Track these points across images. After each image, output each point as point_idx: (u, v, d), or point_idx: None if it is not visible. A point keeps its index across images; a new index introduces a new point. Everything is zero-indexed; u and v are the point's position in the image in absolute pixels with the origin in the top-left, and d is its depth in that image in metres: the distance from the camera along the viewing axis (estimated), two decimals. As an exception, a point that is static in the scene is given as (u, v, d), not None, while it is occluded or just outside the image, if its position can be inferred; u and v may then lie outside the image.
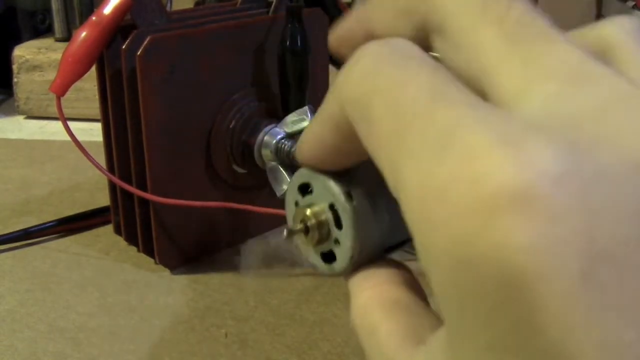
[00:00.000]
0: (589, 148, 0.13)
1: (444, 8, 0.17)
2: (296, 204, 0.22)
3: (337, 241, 0.21)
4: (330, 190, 0.20)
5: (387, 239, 0.21)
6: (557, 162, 0.13)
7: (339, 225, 0.21)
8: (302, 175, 0.22)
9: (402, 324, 0.19)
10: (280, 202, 0.24)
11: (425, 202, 0.14)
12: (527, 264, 0.13)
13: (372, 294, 0.20)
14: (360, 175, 0.21)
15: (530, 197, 0.13)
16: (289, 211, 0.23)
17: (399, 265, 0.21)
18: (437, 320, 0.19)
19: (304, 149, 0.20)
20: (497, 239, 0.13)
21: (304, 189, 0.22)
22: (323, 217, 0.21)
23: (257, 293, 0.41)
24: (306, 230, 0.21)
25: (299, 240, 0.22)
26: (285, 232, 0.21)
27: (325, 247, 0.21)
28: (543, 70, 0.15)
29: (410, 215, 0.15)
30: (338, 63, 0.53)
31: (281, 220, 0.39)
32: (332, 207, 0.21)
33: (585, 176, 0.13)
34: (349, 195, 0.20)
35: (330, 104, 0.18)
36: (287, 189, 0.22)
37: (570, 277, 0.12)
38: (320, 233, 0.21)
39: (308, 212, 0.21)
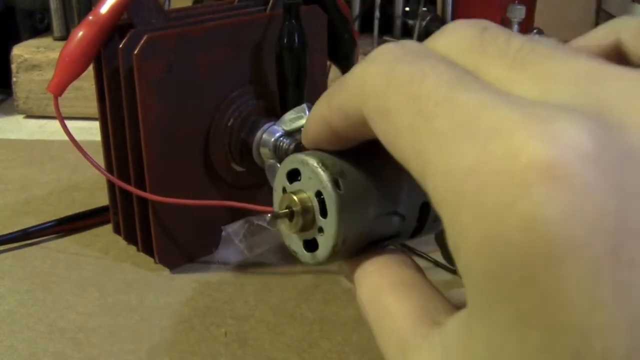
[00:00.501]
0: (618, 129, 0.13)
1: (451, 56, 0.17)
2: (284, 190, 0.22)
3: (321, 229, 0.21)
4: (319, 177, 0.20)
5: (372, 232, 0.21)
6: (587, 139, 0.13)
7: (324, 213, 0.21)
8: (291, 161, 0.22)
9: (414, 305, 0.19)
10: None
11: (454, 180, 0.14)
12: (559, 236, 0.12)
13: (381, 276, 0.20)
14: (349, 168, 0.21)
15: (563, 171, 0.13)
16: (276, 197, 0.22)
17: (400, 251, 0.21)
18: (451, 304, 0.19)
19: (311, 131, 0.21)
20: (528, 211, 0.13)
21: (293, 176, 0.22)
22: (309, 204, 0.21)
23: (257, 292, 0.41)
24: (291, 216, 0.21)
25: (283, 225, 0.22)
26: (269, 216, 0.21)
27: (308, 235, 0.21)
28: (555, 81, 0.15)
29: (437, 196, 0.15)
30: (336, 60, 0.53)
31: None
32: (318, 194, 0.21)
33: (615, 155, 0.13)
34: (336, 183, 0.20)
35: (343, 96, 0.19)
36: (276, 175, 0.22)
37: (601, 251, 0.12)
38: (305, 219, 0.21)
39: (294, 197, 0.21)
